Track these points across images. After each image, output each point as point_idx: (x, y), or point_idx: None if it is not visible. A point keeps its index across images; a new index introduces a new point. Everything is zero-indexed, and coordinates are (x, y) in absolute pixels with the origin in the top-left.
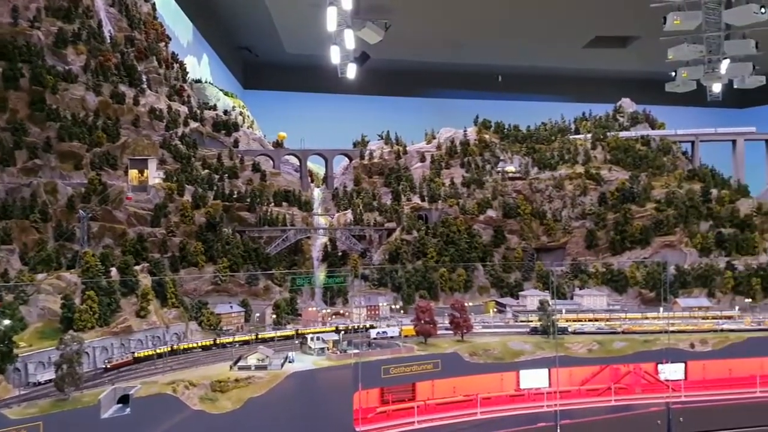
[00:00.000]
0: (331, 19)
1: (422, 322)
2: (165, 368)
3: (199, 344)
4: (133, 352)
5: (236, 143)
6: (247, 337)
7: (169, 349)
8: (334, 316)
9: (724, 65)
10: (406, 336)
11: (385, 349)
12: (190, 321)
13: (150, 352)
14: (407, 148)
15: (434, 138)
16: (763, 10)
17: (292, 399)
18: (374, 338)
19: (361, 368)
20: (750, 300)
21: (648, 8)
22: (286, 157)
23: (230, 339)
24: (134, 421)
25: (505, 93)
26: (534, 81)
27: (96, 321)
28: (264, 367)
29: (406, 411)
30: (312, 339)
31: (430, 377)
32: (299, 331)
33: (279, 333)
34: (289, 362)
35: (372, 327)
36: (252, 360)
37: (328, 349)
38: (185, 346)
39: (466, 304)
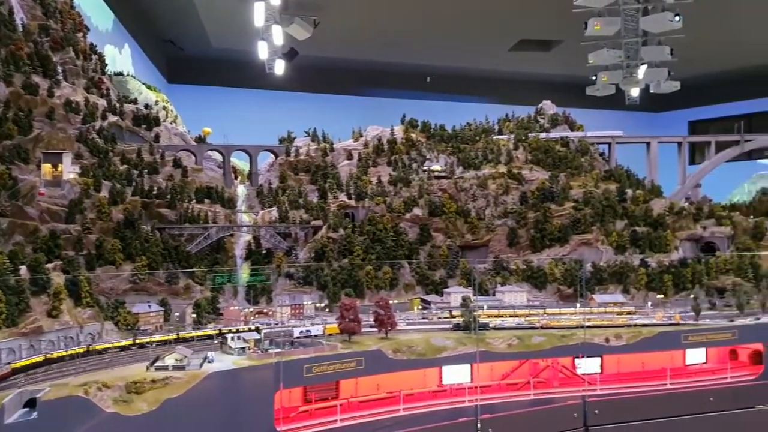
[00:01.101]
0: (258, 14)
1: (346, 320)
2: (78, 370)
3: (115, 344)
4: (45, 354)
5: (157, 138)
6: (165, 337)
7: (84, 349)
8: (257, 316)
9: (642, 70)
10: (330, 334)
11: (308, 347)
12: (105, 321)
13: (62, 353)
14: (334, 146)
15: (361, 136)
16: (677, 18)
17: (211, 399)
18: (297, 337)
19: (282, 367)
20: (662, 296)
21: (570, 13)
22: (210, 153)
23: (148, 339)
24: (42, 426)
25: (433, 93)
26: (461, 82)
27: (2, 322)
28: (182, 368)
29: (329, 409)
30: (232, 338)
31: (354, 375)
32: (221, 331)
33: (199, 332)
34: (209, 362)
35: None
36: (170, 360)
37: (249, 349)
38: (100, 347)
39: (391, 302)
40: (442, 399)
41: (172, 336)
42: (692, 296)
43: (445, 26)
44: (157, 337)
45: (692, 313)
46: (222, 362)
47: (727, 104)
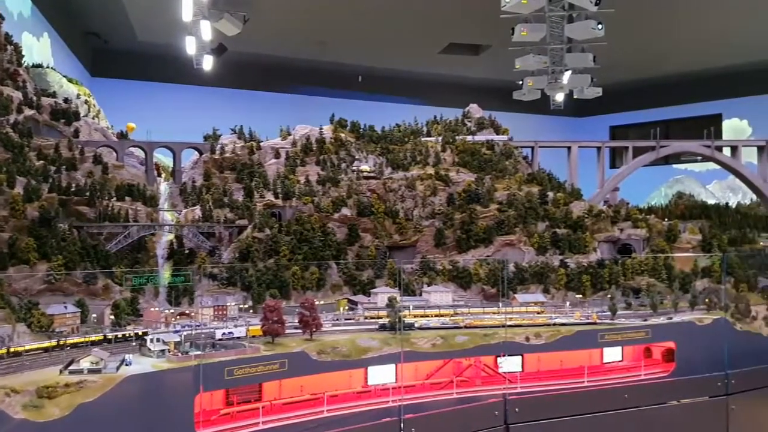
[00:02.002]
0: (186, 8)
1: (270, 321)
2: None
3: (27, 347)
4: None
5: (76, 133)
6: (81, 339)
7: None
8: (178, 317)
9: (566, 76)
10: (253, 336)
11: (230, 349)
12: (18, 323)
13: None
14: (261, 144)
15: (289, 134)
16: (600, 26)
17: (128, 404)
18: (219, 339)
19: (203, 370)
20: (580, 296)
21: (499, 19)
22: (132, 149)
23: (63, 341)
24: None
25: (364, 93)
26: (392, 83)
27: None
28: (98, 371)
29: (252, 412)
30: (152, 340)
31: (277, 377)
32: (140, 333)
33: (117, 334)
34: (126, 365)
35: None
36: (85, 363)
37: (169, 351)
38: (12, 350)
39: (317, 303)
40: (366, 400)
41: (87, 338)
42: (609, 296)
43: (377, 27)
44: (72, 339)
45: (609, 313)
46: (140, 365)
47: (646, 110)
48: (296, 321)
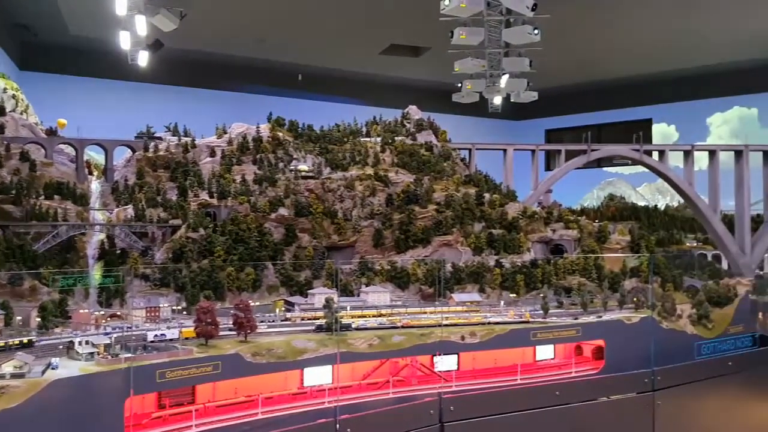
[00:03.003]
0: (120, 2)
1: (203, 323)
2: None
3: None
4: None
5: (2, 129)
6: (3, 343)
7: None
8: (109, 319)
9: (504, 80)
10: (186, 338)
11: (162, 352)
12: None
13: None
14: (196, 142)
15: (225, 133)
16: (536, 31)
17: (54, 409)
18: (151, 341)
19: (133, 373)
20: (514, 295)
21: (438, 21)
22: (62, 146)
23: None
24: None
25: (304, 92)
26: (332, 82)
27: None
28: (21, 375)
29: (184, 415)
30: (80, 343)
31: (211, 379)
32: (68, 336)
33: (43, 337)
34: (52, 369)
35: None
36: (7, 368)
37: (98, 354)
38: None
39: (252, 304)
40: (302, 401)
41: (11, 342)
42: (541, 295)
43: (318, 25)
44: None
45: (541, 312)
46: (68, 369)
47: (581, 114)
48: (231, 323)
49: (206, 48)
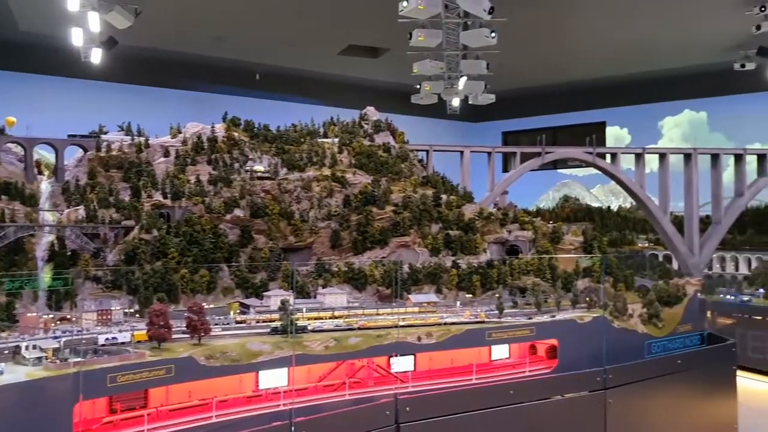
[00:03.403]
0: None
1: (156, 326)
2: None
3: None
4: None
5: None
6: None
7: None
8: (58, 322)
9: (462, 82)
10: (138, 341)
11: (113, 355)
12: None
13: None
14: (150, 142)
15: (180, 132)
16: (493, 34)
17: None
18: (102, 345)
19: (83, 377)
20: (470, 295)
21: (397, 23)
22: (10, 145)
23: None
24: None
25: (261, 91)
26: (291, 82)
27: None
28: None
29: (136, 419)
30: (27, 348)
31: (163, 383)
32: (15, 340)
33: None
34: None
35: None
36: None
37: (46, 358)
38: None
39: (206, 306)
40: (257, 404)
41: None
42: (497, 295)
43: (276, 25)
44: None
45: (496, 311)
46: (14, 374)
47: (537, 117)
48: (184, 325)
49: (162, 46)
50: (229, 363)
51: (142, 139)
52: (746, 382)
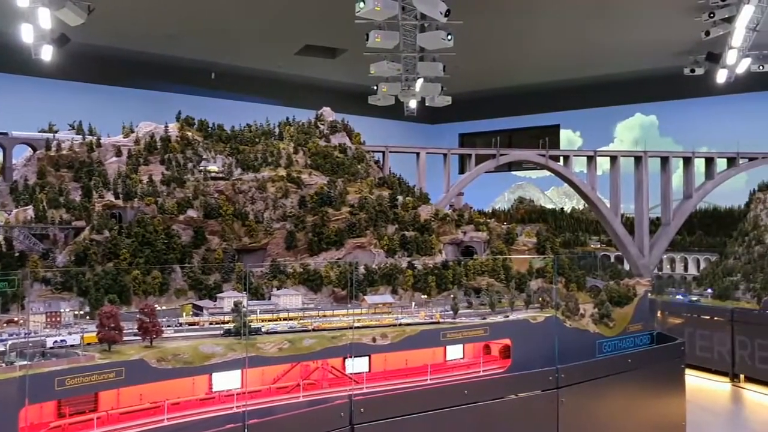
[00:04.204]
0: None
1: (106, 328)
2: None
3: None
4: None
5: None
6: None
7: None
8: (5, 324)
9: (418, 84)
10: (88, 344)
11: (61, 358)
12: None
13: None
14: (102, 141)
15: (132, 131)
16: (449, 37)
17: None
18: (50, 347)
19: (30, 381)
20: (425, 296)
21: (354, 24)
22: None
23: None
24: None
25: (217, 91)
26: (246, 82)
27: None
28: None
29: (86, 423)
30: None
31: (114, 386)
32: None
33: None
34: None
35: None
36: None
37: None
38: None
39: (159, 308)
40: (210, 406)
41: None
42: (452, 296)
43: (232, 24)
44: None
45: (451, 312)
46: None
47: (493, 119)
48: (135, 327)
49: (116, 44)
50: (181, 365)
51: (93, 138)
52: (694, 380)
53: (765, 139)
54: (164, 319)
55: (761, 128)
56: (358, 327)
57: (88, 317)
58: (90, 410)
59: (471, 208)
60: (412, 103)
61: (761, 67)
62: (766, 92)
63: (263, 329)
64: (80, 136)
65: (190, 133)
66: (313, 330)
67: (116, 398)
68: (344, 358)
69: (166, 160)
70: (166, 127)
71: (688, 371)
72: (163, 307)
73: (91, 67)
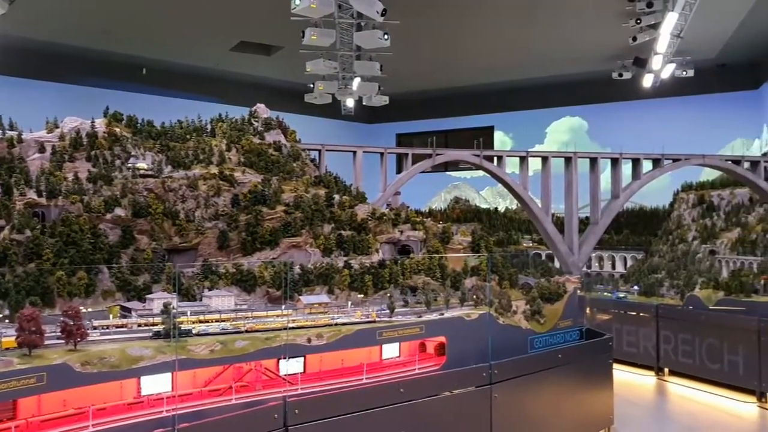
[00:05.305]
0: None
1: (26, 332)
2: None
3: None
4: None
5: None
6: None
7: None
8: None
9: (355, 83)
10: (6, 348)
11: None
12: None
13: None
14: (23, 137)
15: (57, 127)
16: (386, 36)
17: None
18: None
19: None
20: (362, 295)
21: (290, 21)
22: None
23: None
24: None
25: (149, 87)
26: (180, 78)
27: None
28: None
29: None
30: None
31: (34, 392)
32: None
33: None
34: None
35: None
36: None
37: None
38: None
39: (84, 310)
40: (138, 411)
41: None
42: (388, 295)
43: (165, 18)
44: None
45: (387, 311)
46: None
47: (431, 120)
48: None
49: (41, 37)
50: (107, 369)
51: (14, 133)
52: (622, 374)
53: (688, 141)
54: (90, 322)
55: (685, 131)
56: (293, 328)
57: (8, 321)
58: (8, 418)
59: (408, 207)
60: (350, 102)
61: (684, 73)
62: (689, 96)
63: (194, 331)
64: (0, 132)
65: (118, 129)
66: (246, 331)
67: (37, 405)
68: (278, 360)
69: (92, 157)
70: (93, 122)
71: (616, 366)
72: (89, 309)
73: (13, 59)
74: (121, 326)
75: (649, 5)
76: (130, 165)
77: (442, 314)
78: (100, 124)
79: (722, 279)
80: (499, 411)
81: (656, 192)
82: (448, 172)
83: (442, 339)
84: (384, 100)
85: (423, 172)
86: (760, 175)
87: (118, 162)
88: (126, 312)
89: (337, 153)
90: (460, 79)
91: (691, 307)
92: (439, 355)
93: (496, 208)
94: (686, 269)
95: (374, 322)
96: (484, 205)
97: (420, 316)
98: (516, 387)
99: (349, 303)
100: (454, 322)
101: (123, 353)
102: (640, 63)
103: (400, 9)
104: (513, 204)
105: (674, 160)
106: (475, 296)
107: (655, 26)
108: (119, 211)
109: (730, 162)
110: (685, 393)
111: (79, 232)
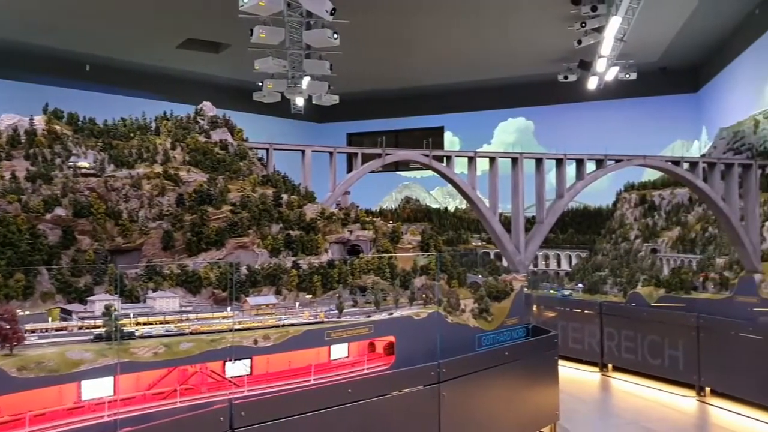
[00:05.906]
0: None
1: None
2: None
3: None
4: None
5: None
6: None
7: None
8: None
9: (305, 82)
10: None
11: None
12: None
13: None
14: None
15: None
16: (335, 36)
17: None
18: None
19: None
20: (310, 296)
21: (238, 18)
22: None
23: None
24: None
25: (92, 84)
26: (125, 75)
27: None
28: None
29: None
30: None
31: None
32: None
33: None
34: None
35: None
36: None
37: None
38: None
39: (22, 313)
40: (79, 416)
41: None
42: (337, 295)
43: (108, 14)
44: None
45: (336, 311)
46: None
47: (381, 120)
48: None
49: None
50: (45, 373)
51: None
52: (567, 370)
53: (631, 143)
54: (27, 325)
55: (627, 132)
56: (239, 329)
57: None
58: None
59: (358, 207)
60: (299, 101)
61: (627, 75)
62: (632, 99)
63: (137, 333)
64: None
65: (58, 127)
66: (191, 333)
67: None
68: (224, 362)
69: (31, 155)
70: (32, 119)
71: (561, 362)
72: (27, 312)
73: None
74: (61, 329)
75: (594, 9)
76: (71, 164)
77: (392, 314)
78: (40, 122)
79: (663, 277)
80: (448, 409)
81: (600, 192)
82: (398, 172)
83: (391, 338)
84: (334, 99)
85: (373, 171)
86: (698, 175)
87: (58, 161)
88: (66, 314)
89: (286, 152)
90: (410, 79)
91: (633, 305)
92: (388, 355)
93: (446, 208)
94: (629, 267)
95: (322, 322)
96: (434, 205)
97: (369, 316)
98: (464, 385)
99: (297, 304)
100: (403, 322)
101: (62, 357)
102: (585, 66)
103: (350, 8)
104: (462, 204)
105: (617, 161)
106: (424, 295)
107: (599, 30)
108: (60, 211)
109: (670, 163)
110: (628, 388)
111: (16, 232)
